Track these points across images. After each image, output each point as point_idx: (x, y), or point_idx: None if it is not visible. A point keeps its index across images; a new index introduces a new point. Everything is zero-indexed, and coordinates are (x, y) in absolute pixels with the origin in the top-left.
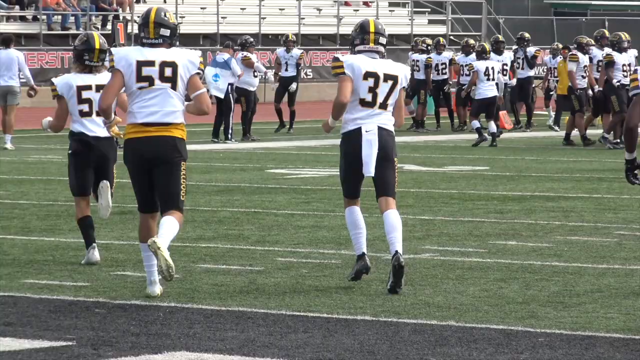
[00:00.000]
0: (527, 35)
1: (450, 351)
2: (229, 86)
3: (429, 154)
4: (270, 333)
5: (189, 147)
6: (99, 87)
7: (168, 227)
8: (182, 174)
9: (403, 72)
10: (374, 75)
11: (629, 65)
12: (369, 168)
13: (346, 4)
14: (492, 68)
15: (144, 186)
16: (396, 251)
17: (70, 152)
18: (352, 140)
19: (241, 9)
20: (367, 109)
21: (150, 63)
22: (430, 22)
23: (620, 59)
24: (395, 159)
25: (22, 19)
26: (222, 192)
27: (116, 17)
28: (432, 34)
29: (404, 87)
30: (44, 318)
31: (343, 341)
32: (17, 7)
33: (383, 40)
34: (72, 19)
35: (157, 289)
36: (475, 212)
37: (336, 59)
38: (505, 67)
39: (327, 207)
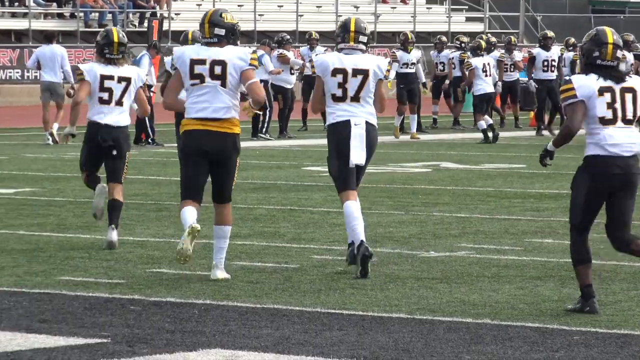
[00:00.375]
0: (572, 40)
1: (485, 349)
2: (263, 83)
3: (466, 152)
4: (305, 330)
5: None
6: (120, 79)
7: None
8: (235, 168)
9: (375, 64)
10: (342, 71)
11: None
12: (357, 158)
13: (383, 1)
14: (488, 64)
15: (195, 175)
16: (361, 241)
17: (85, 137)
18: (341, 130)
19: (278, 6)
20: (339, 102)
21: (202, 62)
22: (468, 19)
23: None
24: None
25: (60, 16)
26: (259, 190)
27: (153, 14)
28: (470, 31)
29: (381, 79)
30: (79, 315)
31: (378, 339)
32: (54, 4)
33: (363, 38)
34: (109, 16)
35: (220, 274)
36: (511, 210)
37: (311, 60)
38: (553, 62)
39: (363, 204)
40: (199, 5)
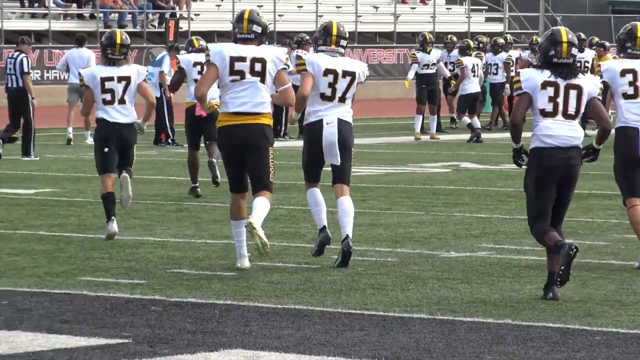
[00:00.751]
0: (596, 39)
1: (506, 349)
2: None
3: (486, 152)
4: (326, 331)
5: None
6: (120, 79)
7: (261, 207)
8: (270, 157)
9: (360, 69)
10: (333, 72)
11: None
12: (335, 158)
13: (403, 1)
14: (477, 65)
15: (236, 169)
16: (347, 235)
17: (95, 135)
18: (314, 131)
19: (298, 7)
20: (327, 102)
21: (242, 59)
22: (487, 19)
23: None
24: (353, 148)
25: (79, 17)
26: (279, 190)
27: (172, 15)
28: (489, 31)
29: (361, 82)
30: (100, 315)
31: (399, 339)
32: (74, 5)
33: (344, 42)
34: (129, 17)
35: (246, 262)
36: None
37: (299, 57)
38: (586, 64)
39: (383, 205)
40: (218, 5)
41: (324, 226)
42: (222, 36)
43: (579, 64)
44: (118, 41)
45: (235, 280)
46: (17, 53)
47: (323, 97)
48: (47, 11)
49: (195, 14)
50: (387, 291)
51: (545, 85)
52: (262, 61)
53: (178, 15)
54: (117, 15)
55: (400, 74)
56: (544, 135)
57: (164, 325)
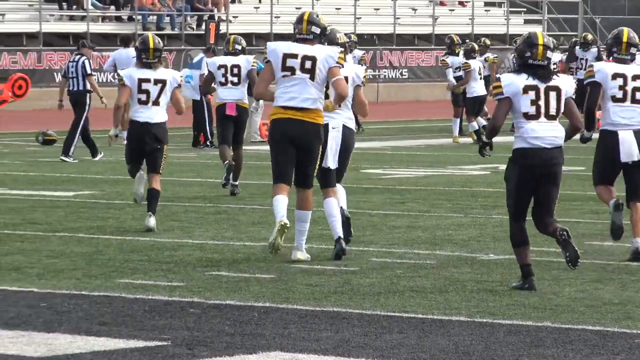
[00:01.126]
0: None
1: (545, 352)
2: None
3: None
4: (365, 333)
5: None
6: (156, 81)
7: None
8: (318, 156)
9: (354, 72)
10: (294, 56)
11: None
12: (334, 162)
13: (441, 3)
14: (482, 67)
15: (283, 160)
16: (339, 237)
17: (127, 134)
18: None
19: (336, 8)
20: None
21: (294, 56)
22: (526, 21)
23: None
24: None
25: (118, 19)
26: (317, 192)
27: (211, 17)
28: None
29: (359, 85)
30: (139, 318)
31: (438, 342)
32: (112, 7)
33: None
34: (167, 19)
35: (300, 255)
36: (571, 212)
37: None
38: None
39: (422, 207)
40: (256, 8)
41: (340, 237)
42: (260, 38)
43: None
44: (151, 46)
45: (274, 282)
46: (78, 56)
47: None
48: (85, 13)
49: (233, 16)
50: (425, 294)
51: (526, 89)
52: (313, 59)
53: (216, 18)
54: (155, 17)
55: (438, 76)
56: (531, 137)
57: (202, 328)
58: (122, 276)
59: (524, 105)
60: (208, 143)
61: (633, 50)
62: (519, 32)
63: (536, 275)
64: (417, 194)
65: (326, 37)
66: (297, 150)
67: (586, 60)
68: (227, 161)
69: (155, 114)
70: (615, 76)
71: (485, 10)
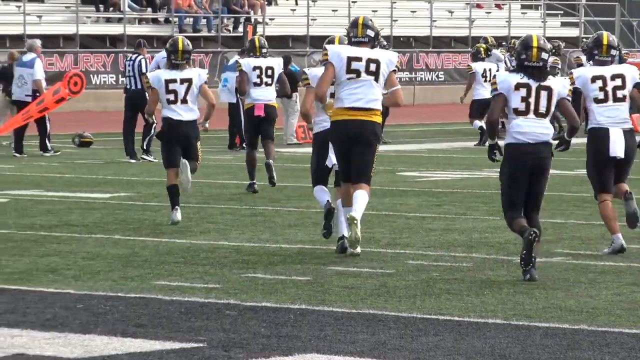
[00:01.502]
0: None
1: (582, 355)
2: None
3: (560, 157)
4: (401, 336)
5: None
6: (182, 80)
7: (361, 200)
8: (374, 154)
9: (386, 57)
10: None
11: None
12: (331, 160)
13: (478, 6)
14: (490, 70)
15: (347, 160)
16: (343, 235)
17: (160, 132)
18: (322, 137)
19: (373, 11)
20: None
21: (359, 59)
22: (563, 24)
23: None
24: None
25: (154, 21)
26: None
27: (247, 19)
28: (565, 36)
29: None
30: (175, 319)
31: (474, 344)
32: (149, 9)
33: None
34: (203, 21)
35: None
36: None
37: (303, 73)
38: None
39: (458, 209)
40: (293, 10)
41: (343, 235)
42: (297, 40)
43: None
44: (180, 48)
45: (310, 284)
46: (135, 55)
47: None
48: (122, 15)
49: (270, 19)
50: (462, 296)
51: (518, 86)
52: (377, 62)
53: (253, 20)
54: (191, 19)
55: None
56: (516, 132)
57: (238, 330)
58: (158, 278)
59: (514, 102)
60: (244, 145)
61: (613, 52)
62: (556, 34)
63: (572, 278)
64: (453, 197)
65: (379, 40)
66: (356, 148)
67: None
68: (267, 161)
69: (186, 112)
70: (594, 79)
71: (522, 13)
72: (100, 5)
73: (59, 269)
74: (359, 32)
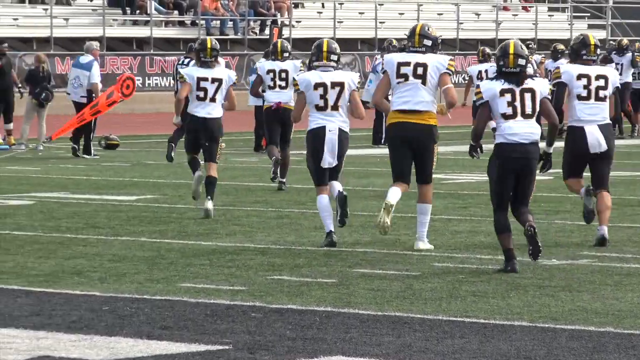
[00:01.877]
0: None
1: (608, 358)
2: None
3: None
4: (427, 338)
5: (348, 152)
6: (213, 80)
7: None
8: (434, 154)
9: (349, 78)
10: (323, 85)
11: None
12: (328, 163)
13: (505, 8)
14: (486, 71)
15: (400, 162)
16: (330, 231)
17: (186, 127)
18: (317, 136)
19: (399, 14)
20: (322, 112)
21: (407, 64)
22: (590, 26)
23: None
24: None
25: (181, 24)
26: (379, 197)
27: (274, 22)
28: None
29: (355, 90)
30: (201, 322)
31: (500, 347)
32: (175, 12)
33: (334, 57)
34: (230, 24)
35: (421, 245)
36: (634, 218)
37: (293, 79)
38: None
39: (484, 212)
40: (319, 12)
41: (331, 231)
42: None
43: None
44: (209, 45)
45: (336, 287)
46: (187, 59)
47: (317, 107)
48: (148, 18)
49: (296, 21)
50: (487, 299)
51: (503, 92)
52: (424, 66)
53: (279, 23)
54: (218, 22)
55: None
56: (508, 134)
57: (264, 332)
58: (183, 280)
59: (501, 107)
60: None
61: (599, 51)
62: None
63: (598, 281)
64: (479, 199)
65: (438, 47)
66: (414, 151)
67: (622, 65)
68: (275, 156)
69: (212, 110)
70: (580, 76)
71: (549, 15)
72: (127, 8)
73: (84, 271)
74: (416, 42)
